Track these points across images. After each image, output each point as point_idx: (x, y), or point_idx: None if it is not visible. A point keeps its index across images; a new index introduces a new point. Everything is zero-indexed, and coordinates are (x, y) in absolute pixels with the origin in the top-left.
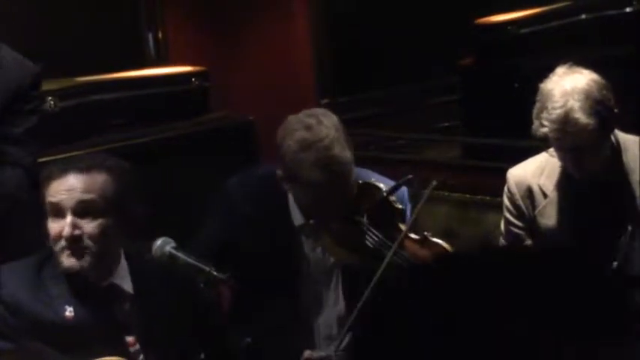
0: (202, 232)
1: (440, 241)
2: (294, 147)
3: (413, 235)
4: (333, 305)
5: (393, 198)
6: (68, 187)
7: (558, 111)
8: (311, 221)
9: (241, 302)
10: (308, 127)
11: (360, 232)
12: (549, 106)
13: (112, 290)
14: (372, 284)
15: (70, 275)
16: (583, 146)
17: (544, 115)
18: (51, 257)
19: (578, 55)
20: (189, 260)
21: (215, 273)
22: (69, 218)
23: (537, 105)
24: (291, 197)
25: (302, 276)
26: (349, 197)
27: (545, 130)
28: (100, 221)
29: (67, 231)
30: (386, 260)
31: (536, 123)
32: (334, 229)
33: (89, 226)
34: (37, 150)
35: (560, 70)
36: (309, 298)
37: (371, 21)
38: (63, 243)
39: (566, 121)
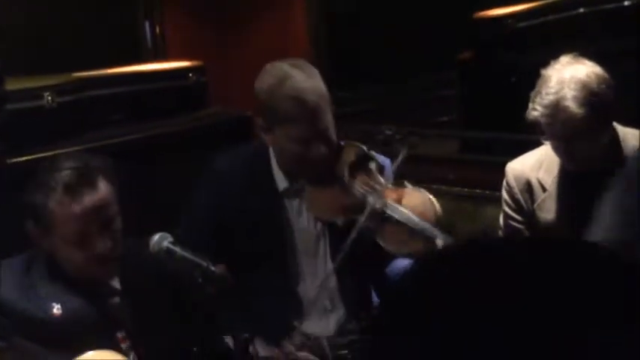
0: (192, 212)
1: (420, 190)
2: (269, 85)
3: (392, 187)
4: (322, 274)
5: (373, 153)
6: (92, 209)
7: (551, 97)
8: (294, 184)
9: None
10: (282, 68)
11: (342, 187)
12: (544, 91)
13: (101, 286)
14: (354, 233)
15: (56, 274)
16: (572, 135)
17: (537, 99)
18: (39, 256)
19: (577, 48)
20: (187, 255)
21: (212, 268)
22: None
23: (535, 89)
24: (274, 162)
25: (288, 244)
26: (330, 145)
27: (536, 114)
28: (117, 224)
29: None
30: (367, 211)
31: (530, 106)
32: (316, 186)
33: (116, 236)
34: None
35: (564, 59)
36: (297, 267)
37: (369, 16)
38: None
39: (557, 107)
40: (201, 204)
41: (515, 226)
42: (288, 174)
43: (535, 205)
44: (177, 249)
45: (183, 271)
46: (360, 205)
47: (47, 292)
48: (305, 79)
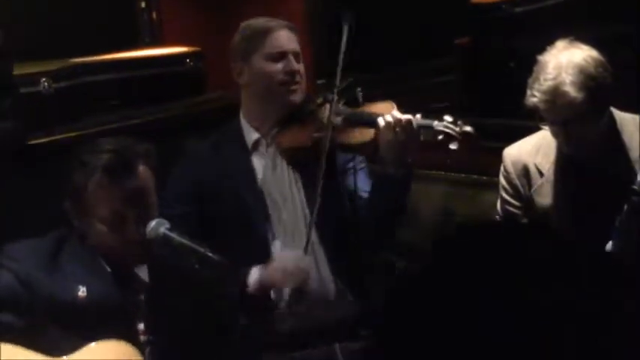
0: (170, 185)
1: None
2: (241, 29)
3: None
4: (302, 229)
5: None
6: (131, 193)
7: (549, 82)
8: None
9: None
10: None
11: (310, 118)
12: (542, 77)
13: (128, 275)
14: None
15: (86, 256)
16: (571, 120)
17: (536, 85)
18: (69, 237)
19: (574, 33)
20: (184, 241)
21: (209, 254)
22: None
23: (532, 75)
24: (244, 121)
25: (260, 201)
26: (299, 63)
27: (535, 100)
28: (154, 212)
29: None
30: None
31: (528, 93)
32: (286, 125)
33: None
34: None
35: (560, 44)
36: (269, 222)
37: (367, 1)
38: None
39: (555, 93)
40: (178, 178)
41: (512, 211)
42: (258, 128)
43: (532, 190)
44: (174, 235)
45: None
46: (324, 126)
47: (74, 273)
48: (264, 18)
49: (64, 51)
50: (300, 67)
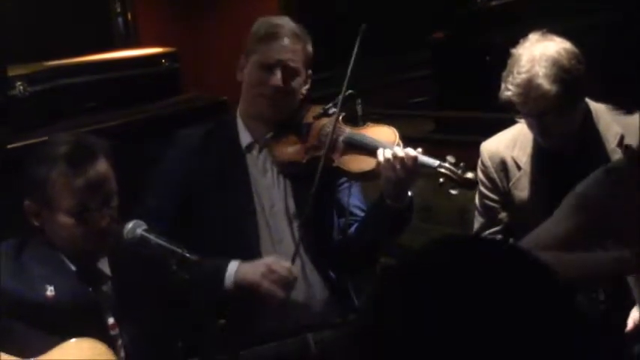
0: (159, 178)
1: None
2: (253, 27)
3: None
4: (287, 231)
5: (333, 110)
6: (94, 182)
7: (523, 76)
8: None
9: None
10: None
11: (305, 131)
12: (515, 70)
13: (92, 271)
14: (319, 167)
15: (50, 255)
16: (546, 112)
17: (509, 79)
18: (31, 238)
19: (550, 26)
20: (161, 242)
21: (187, 255)
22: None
23: (506, 69)
24: (240, 121)
25: (252, 204)
26: (289, 75)
27: (509, 93)
28: (115, 201)
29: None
30: (327, 140)
31: (502, 86)
32: (280, 135)
33: (114, 213)
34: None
35: (533, 37)
36: (260, 229)
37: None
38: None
39: (529, 86)
40: (167, 168)
41: (490, 205)
42: (252, 130)
43: (510, 183)
44: (151, 236)
45: (157, 258)
46: (322, 144)
47: (40, 273)
48: (281, 19)
49: (38, 54)
50: (293, 82)
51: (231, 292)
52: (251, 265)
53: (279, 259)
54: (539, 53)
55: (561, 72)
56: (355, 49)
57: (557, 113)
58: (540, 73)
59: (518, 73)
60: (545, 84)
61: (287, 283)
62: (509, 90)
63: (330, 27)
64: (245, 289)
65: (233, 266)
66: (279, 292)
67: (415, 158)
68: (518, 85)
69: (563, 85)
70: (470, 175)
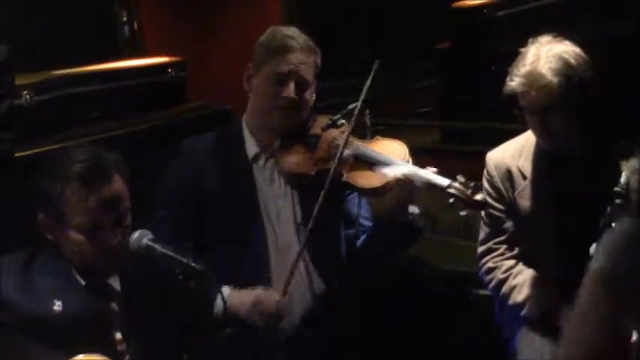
0: (167, 190)
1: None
2: (263, 38)
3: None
4: (293, 241)
5: (341, 121)
6: (108, 201)
7: (527, 67)
8: (267, 150)
9: (201, 251)
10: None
11: (314, 142)
12: (521, 63)
13: (102, 286)
14: (327, 181)
15: (60, 269)
16: (548, 106)
17: (514, 71)
18: (40, 252)
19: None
20: (167, 252)
21: (193, 264)
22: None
23: (513, 65)
24: (246, 132)
25: (258, 214)
26: (301, 86)
27: (513, 84)
28: (128, 220)
29: (118, 242)
30: (337, 154)
31: (507, 79)
32: (288, 145)
33: (126, 231)
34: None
35: (543, 39)
36: (267, 239)
37: (347, 6)
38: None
39: (532, 76)
40: (174, 178)
41: (496, 215)
42: (259, 140)
43: (516, 193)
44: (157, 246)
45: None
46: (331, 156)
47: (48, 287)
48: (291, 31)
49: (45, 63)
50: (305, 94)
51: (220, 318)
52: (239, 297)
53: (268, 291)
54: (546, 49)
55: (566, 67)
56: (368, 83)
57: (557, 107)
58: (545, 66)
59: (523, 65)
60: (548, 75)
61: (275, 317)
62: (513, 81)
63: (330, 35)
64: (234, 318)
65: (224, 293)
66: (266, 324)
67: (426, 180)
68: (521, 76)
69: (566, 79)
70: (479, 197)
